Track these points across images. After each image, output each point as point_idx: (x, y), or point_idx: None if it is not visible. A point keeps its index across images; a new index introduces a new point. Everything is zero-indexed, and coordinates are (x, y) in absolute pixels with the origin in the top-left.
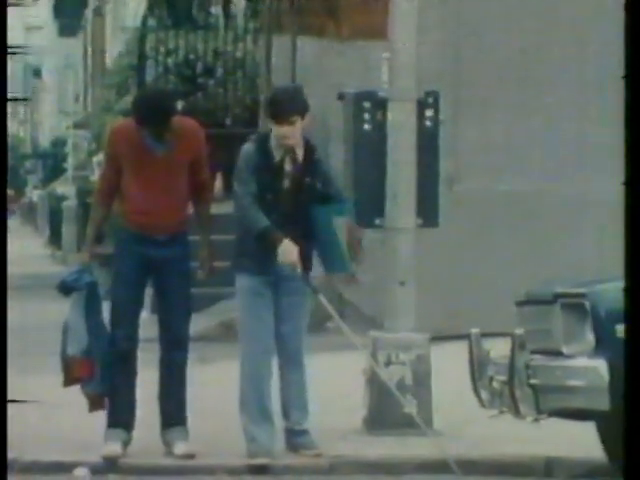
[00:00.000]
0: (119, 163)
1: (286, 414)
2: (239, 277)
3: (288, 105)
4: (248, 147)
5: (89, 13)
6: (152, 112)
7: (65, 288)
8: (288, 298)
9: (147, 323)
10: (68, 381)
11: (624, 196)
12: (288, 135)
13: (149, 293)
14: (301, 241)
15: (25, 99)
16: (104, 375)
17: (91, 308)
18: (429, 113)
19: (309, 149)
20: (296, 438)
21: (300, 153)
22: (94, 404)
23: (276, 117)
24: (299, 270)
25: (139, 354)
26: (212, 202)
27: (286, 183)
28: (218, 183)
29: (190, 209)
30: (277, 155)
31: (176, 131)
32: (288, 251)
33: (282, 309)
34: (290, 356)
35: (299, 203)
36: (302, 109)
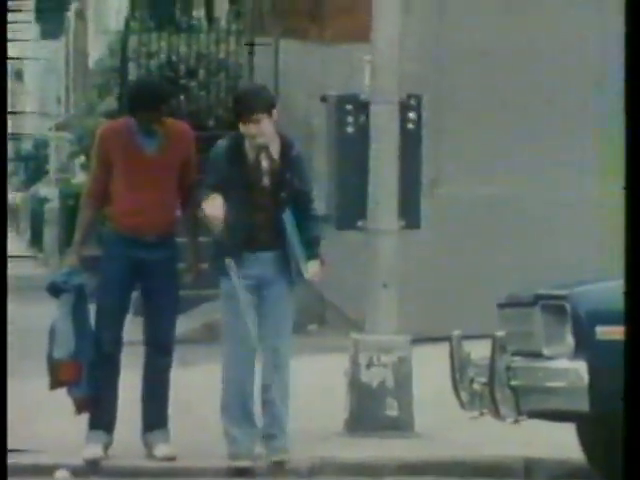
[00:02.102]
0: (109, 163)
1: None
2: (222, 280)
3: (250, 104)
4: (221, 143)
5: (71, 16)
6: (144, 98)
7: (55, 289)
8: (271, 302)
9: (130, 325)
10: (54, 384)
11: (624, 199)
12: (254, 133)
13: (132, 296)
14: (284, 237)
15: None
16: (91, 378)
17: (79, 311)
18: (411, 116)
19: (286, 145)
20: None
21: (275, 149)
22: (80, 407)
23: (240, 116)
24: (220, 226)
25: (121, 357)
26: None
27: (265, 181)
28: None
29: (178, 212)
30: (251, 154)
31: (167, 130)
32: (212, 204)
33: (265, 313)
34: (272, 359)
35: (281, 199)
36: (266, 106)
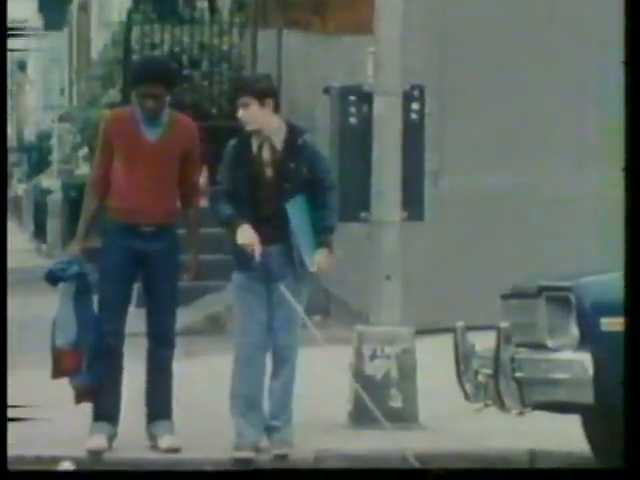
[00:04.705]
0: (112, 150)
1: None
2: (234, 272)
3: (240, 87)
4: (231, 142)
5: (74, 7)
6: (149, 67)
7: (52, 278)
8: (279, 296)
9: (133, 317)
10: (57, 373)
11: (624, 181)
12: (245, 119)
13: (135, 287)
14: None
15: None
16: (92, 368)
17: (81, 300)
18: (414, 107)
19: (292, 133)
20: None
21: (279, 139)
22: (81, 396)
23: (234, 100)
24: (257, 254)
25: (125, 348)
26: (199, 205)
27: (268, 172)
28: (203, 176)
29: (179, 205)
30: (255, 147)
31: (172, 120)
32: (245, 234)
33: (273, 306)
34: (280, 353)
35: (286, 190)
36: (255, 92)
